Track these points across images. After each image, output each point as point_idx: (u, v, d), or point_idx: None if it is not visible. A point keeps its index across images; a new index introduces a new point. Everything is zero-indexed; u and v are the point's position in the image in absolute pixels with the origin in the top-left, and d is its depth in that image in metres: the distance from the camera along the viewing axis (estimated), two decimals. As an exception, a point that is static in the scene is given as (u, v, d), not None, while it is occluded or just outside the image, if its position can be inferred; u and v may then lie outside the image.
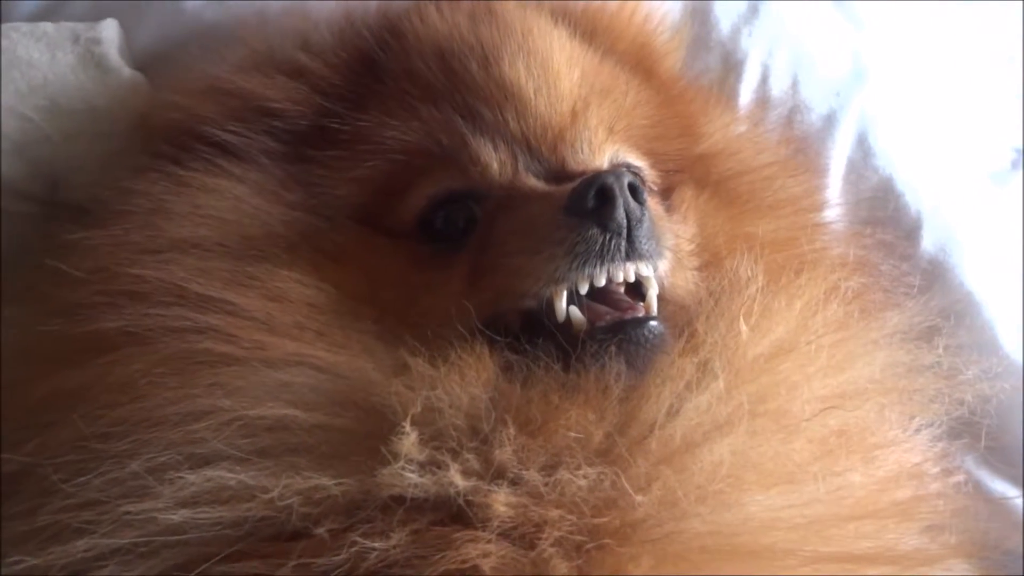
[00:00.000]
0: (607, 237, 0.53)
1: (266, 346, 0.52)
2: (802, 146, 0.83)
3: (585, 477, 0.48)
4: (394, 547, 0.45)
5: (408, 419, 0.48)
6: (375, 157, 0.60)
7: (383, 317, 0.55)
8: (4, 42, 0.66)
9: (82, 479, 0.48)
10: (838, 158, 0.85)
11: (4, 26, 0.69)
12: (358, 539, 0.45)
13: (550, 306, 0.53)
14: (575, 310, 0.53)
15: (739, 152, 0.72)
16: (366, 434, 0.48)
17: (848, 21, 0.96)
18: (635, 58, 0.71)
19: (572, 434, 0.48)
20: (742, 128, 0.77)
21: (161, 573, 0.47)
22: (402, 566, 0.45)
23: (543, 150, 0.60)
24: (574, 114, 0.62)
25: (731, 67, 0.84)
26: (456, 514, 0.47)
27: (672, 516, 0.48)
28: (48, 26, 0.68)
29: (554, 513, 0.47)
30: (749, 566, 0.47)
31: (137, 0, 0.74)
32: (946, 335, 0.73)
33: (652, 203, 0.58)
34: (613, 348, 0.51)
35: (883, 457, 0.57)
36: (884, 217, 0.84)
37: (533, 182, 0.58)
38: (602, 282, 0.53)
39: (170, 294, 0.53)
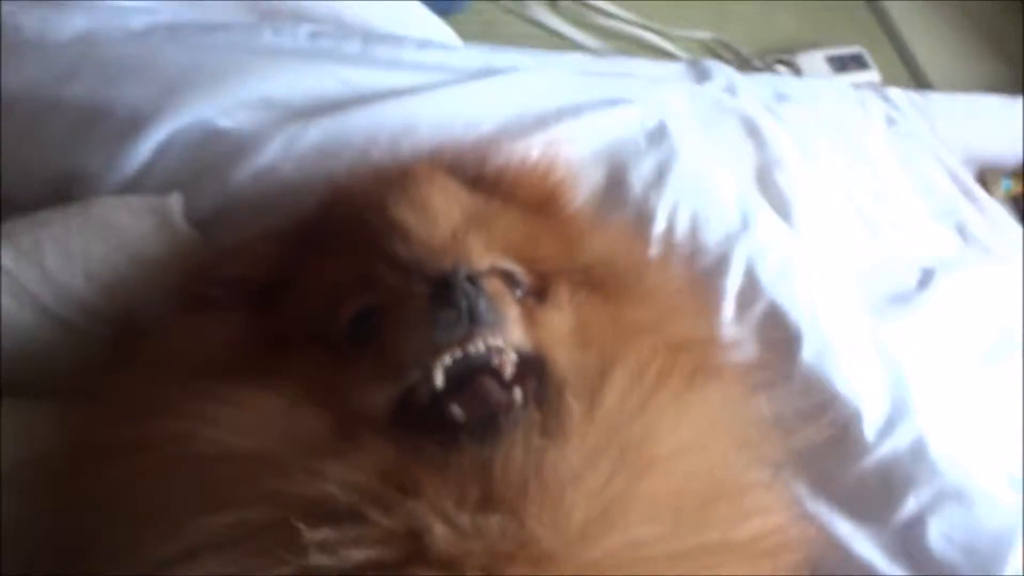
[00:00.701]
0: (451, 312, 0.67)
1: (232, 444, 0.65)
2: (701, 280, 1.04)
3: (492, 521, 0.58)
4: None
5: (309, 510, 0.58)
6: (312, 293, 0.78)
7: (319, 414, 0.68)
8: (100, 210, 0.88)
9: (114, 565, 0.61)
10: (731, 288, 1.06)
11: (99, 199, 0.91)
12: None
13: (430, 382, 0.67)
14: (456, 408, 0.65)
15: (613, 259, 0.88)
16: (291, 526, 0.58)
17: (766, 163, 1.20)
18: (531, 198, 0.89)
19: (456, 494, 0.59)
20: (616, 239, 0.94)
21: None
22: None
23: (426, 267, 0.73)
24: (454, 237, 0.76)
25: (643, 219, 1.07)
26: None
27: (571, 544, 0.59)
28: (133, 199, 0.90)
29: (477, 548, 0.57)
30: None
31: (195, 179, 0.97)
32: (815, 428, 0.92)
33: (499, 287, 0.74)
34: (483, 432, 0.63)
35: (747, 502, 0.67)
36: (771, 333, 1.04)
37: (420, 287, 0.72)
38: (459, 353, 0.66)
39: (166, 409, 0.68)
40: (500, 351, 0.69)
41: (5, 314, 0.85)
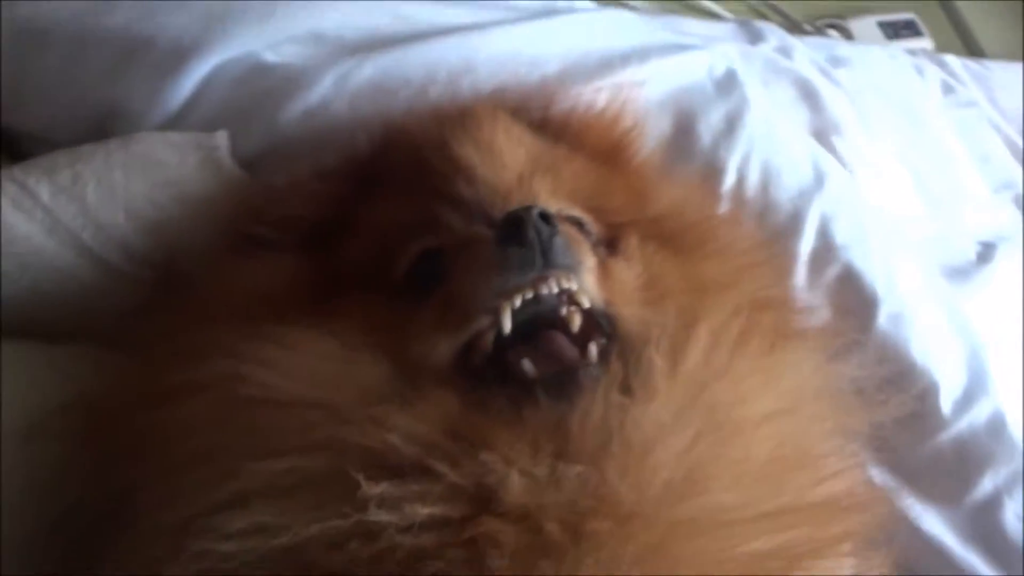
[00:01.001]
0: (524, 251, 0.63)
1: (285, 389, 0.62)
2: (773, 238, 0.98)
3: (572, 473, 0.55)
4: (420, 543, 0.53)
5: (369, 461, 0.55)
6: (370, 235, 0.75)
7: (377, 361, 0.65)
8: (143, 146, 0.84)
9: (163, 512, 0.58)
10: (804, 247, 1.00)
11: (140, 134, 0.87)
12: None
13: (499, 330, 0.63)
14: (527, 363, 0.62)
15: (683, 212, 0.84)
16: (350, 478, 0.55)
17: (824, 127, 1.14)
18: (600, 146, 0.85)
19: (529, 448, 0.56)
20: (687, 192, 0.90)
21: None
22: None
23: (493, 211, 0.71)
24: (520, 180, 0.74)
25: (712, 171, 1.01)
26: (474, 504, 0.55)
27: (654, 505, 0.56)
28: (176, 135, 0.86)
29: (553, 502, 0.54)
30: (710, 548, 0.56)
31: (243, 116, 0.92)
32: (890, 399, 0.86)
33: (572, 231, 0.69)
34: (558, 391, 0.60)
35: (823, 468, 0.65)
36: (845, 297, 0.98)
37: (484, 231, 0.69)
38: (531, 294, 0.63)
39: (218, 351, 0.64)
40: (573, 297, 0.65)
41: (43, 253, 0.81)
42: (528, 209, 0.65)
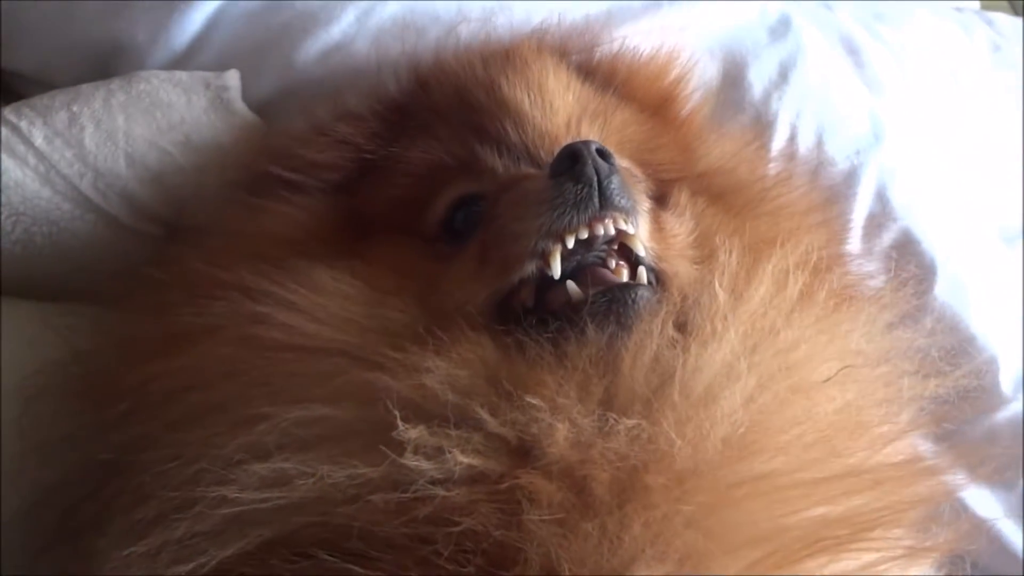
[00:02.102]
0: (580, 187, 0.58)
1: (308, 333, 0.58)
2: (828, 199, 0.92)
3: (623, 425, 0.51)
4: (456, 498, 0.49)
5: (403, 408, 0.51)
6: (403, 177, 0.71)
7: (408, 307, 0.61)
8: (146, 86, 0.77)
9: (171, 466, 0.54)
10: (859, 210, 0.93)
11: (143, 73, 0.80)
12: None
13: (546, 270, 0.59)
14: (572, 284, 0.58)
15: (735, 169, 0.79)
16: (382, 425, 0.52)
17: (866, 85, 1.06)
18: (648, 95, 0.80)
19: (577, 393, 0.52)
20: (738, 148, 0.83)
21: (238, 552, 0.51)
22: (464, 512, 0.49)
23: (541, 154, 0.67)
24: (568, 125, 0.70)
25: (763, 126, 0.93)
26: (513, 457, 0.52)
27: (709, 464, 0.52)
28: (183, 74, 0.79)
29: (600, 457, 0.51)
30: (769, 512, 0.52)
31: (255, 56, 0.85)
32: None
33: (626, 174, 0.64)
34: (606, 312, 0.56)
35: (883, 434, 0.61)
36: (902, 263, 0.89)
37: (532, 172, 0.65)
38: (584, 234, 0.58)
39: (237, 291, 0.60)
40: (626, 243, 0.60)
41: (36, 203, 0.74)
42: (587, 143, 0.60)
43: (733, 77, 0.96)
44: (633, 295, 0.57)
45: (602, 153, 0.60)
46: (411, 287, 0.62)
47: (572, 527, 0.49)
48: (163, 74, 0.80)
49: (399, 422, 0.51)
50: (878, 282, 0.90)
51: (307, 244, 0.67)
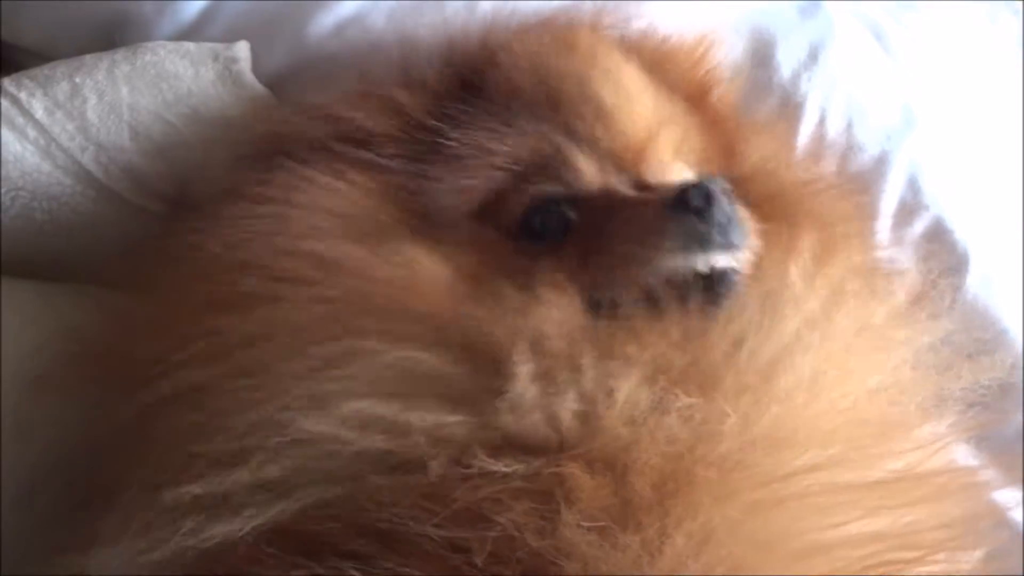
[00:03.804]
0: (710, 229, 0.60)
1: (401, 300, 0.57)
2: (856, 181, 0.88)
3: (678, 407, 0.51)
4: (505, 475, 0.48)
5: (517, 354, 0.52)
6: (482, 167, 0.67)
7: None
8: (152, 56, 0.74)
9: (241, 407, 0.52)
10: (889, 197, 0.89)
11: (150, 44, 0.77)
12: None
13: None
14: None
15: (773, 173, 0.77)
16: (483, 376, 0.52)
17: (895, 71, 1.02)
18: (688, 89, 0.77)
19: (658, 357, 0.53)
20: (774, 149, 0.81)
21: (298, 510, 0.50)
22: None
23: (626, 163, 0.67)
24: (649, 135, 0.69)
25: (791, 108, 0.90)
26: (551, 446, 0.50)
27: (755, 452, 0.51)
28: (190, 45, 0.76)
29: (648, 443, 0.50)
30: (819, 516, 0.51)
31: (267, 28, 0.82)
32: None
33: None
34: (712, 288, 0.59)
35: (910, 434, 0.61)
36: (934, 254, 0.87)
37: (626, 189, 0.65)
38: (703, 268, 0.60)
39: (310, 264, 0.59)
40: (735, 273, 0.62)
41: (36, 177, 0.71)
42: (714, 182, 0.61)
43: (761, 56, 0.92)
44: (733, 276, 0.61)
45: (726, 192, 0.61)
46: (499, 279, 0.61)
47: (612, 539, 0.47)
48: (170, 45, 0.77)
49: (514, 358, 0.51)
50: (911, 272, 0.88)
51: (368, 223, 0.64)
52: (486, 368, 0.53)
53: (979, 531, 0.61)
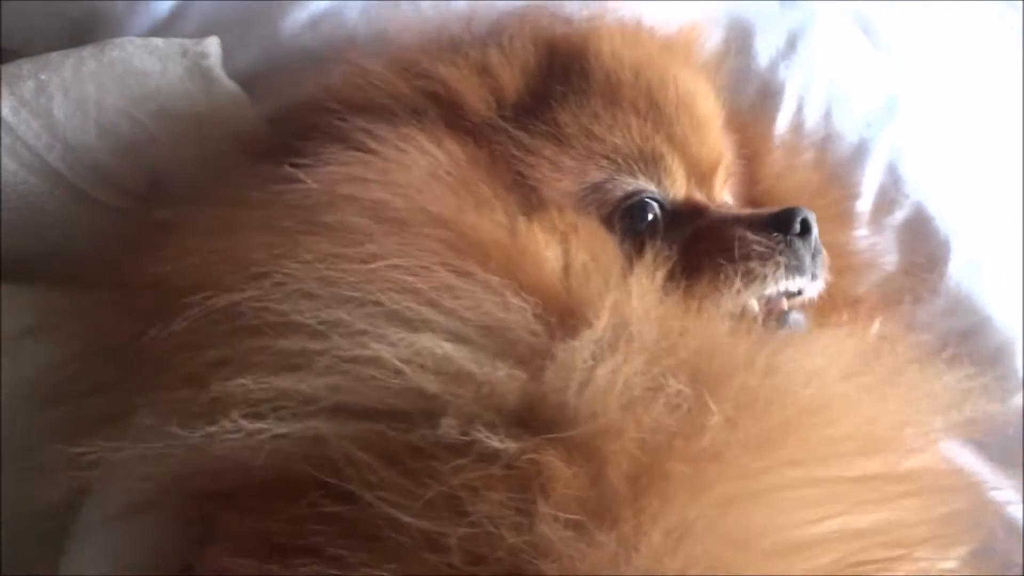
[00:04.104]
0: (804, 257, 0.66)
1: (510, 265, 0.56)
2: (834, 172, 0.88)
3: (667, 394, 0.50)
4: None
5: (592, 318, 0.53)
6: (586, 151, 0.68)
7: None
8: (119, 52, 0.73)
9: (310, 315, 0.52)
10: (869, 185, 0.89)
11: (118, 40, 0.76)
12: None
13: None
14: (752, 301, 0.65)
15: (781, 194, 0.79)
16: (557, 335, 0.52)
17: (881, 60, 1.01)
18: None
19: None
20: (784, 167, 0.84)
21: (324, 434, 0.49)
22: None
23: (703, 178, 0.71)
24: (720, 155, 0.73)
25: (768, 97, 0.89)
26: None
27: (735, 445, 0.50)
28: (159, 41, 0.75)
29: (631, 430, 0.49)
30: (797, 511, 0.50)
31: (239, 25, 0.81)
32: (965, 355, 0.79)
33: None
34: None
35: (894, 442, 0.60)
36: (915, 241, 0.88)
37: (723, 204, 0.71)
38: (795, 289, 0.66)
39: (417, 212, 0.58)
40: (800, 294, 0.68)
41: (4, 176, 0.70)
42: (811, 214, 0.66)
43: (739, 45, 0.91)
44: (794, 320, 0.67)
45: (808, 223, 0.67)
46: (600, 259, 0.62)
47: (587, 536, 0.45)
48: (138, 41, 0.76)
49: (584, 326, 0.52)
50: (889, 261, 0.87)
51: (471, 189, 0.63)
52: (563, 329, 0.53)
53: (966, 528, 0.59)
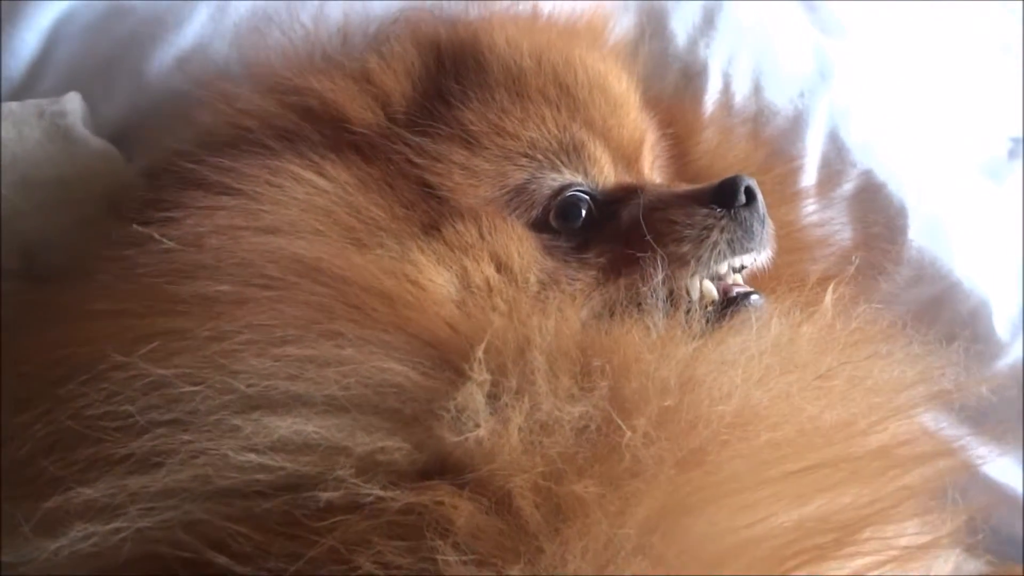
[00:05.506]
0: (756, 225, 0.62)
1: (397, 315, 0.52)
2: (773, 148, 0.83)
3: (569, 420, 0.48)
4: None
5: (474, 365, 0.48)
6: (500, 149, 0.63)
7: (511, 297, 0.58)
8: None
9: (163, 410, 0.47)
10: (811, 157, 0.83)
11: None
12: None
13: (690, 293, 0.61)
14: (709, 284, 0.62)
15: (718, 172, 0.73)
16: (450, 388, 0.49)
17: (815, 24, 0.96)
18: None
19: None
20: (719, 143, 0.79)
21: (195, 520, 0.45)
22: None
23: (629, 161, 0.67)
24: (642, 134, 0.69)
25: (691, 78, 0.84)
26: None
27: (655, 463, 0.47)
28: (13, 105, 0.70)
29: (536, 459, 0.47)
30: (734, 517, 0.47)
31: (102, 75, 0.75)
32: (933, 324, 0.74)
33: None
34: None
35: (873, 421, 0.56)
36: (870, 212, 0.83)
37: (656, 184, 0.66)
38: (743, 264, 0.63)
39: (284, 266, 0.53)
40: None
41: None
42: (752, 181, 0.63)
43: (653, 28, 0.86)
44: (753, 301, 0.62)
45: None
46: (517, 279, 0.59)
47: (495, 572, 0.43)
48: (-12, 107, 0.70)
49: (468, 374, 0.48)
50: (843, 234, 0.82)
51: (358, 220, 0.58)
52: (455, 372, 0.49)
53: (937, 496, 0.58)
